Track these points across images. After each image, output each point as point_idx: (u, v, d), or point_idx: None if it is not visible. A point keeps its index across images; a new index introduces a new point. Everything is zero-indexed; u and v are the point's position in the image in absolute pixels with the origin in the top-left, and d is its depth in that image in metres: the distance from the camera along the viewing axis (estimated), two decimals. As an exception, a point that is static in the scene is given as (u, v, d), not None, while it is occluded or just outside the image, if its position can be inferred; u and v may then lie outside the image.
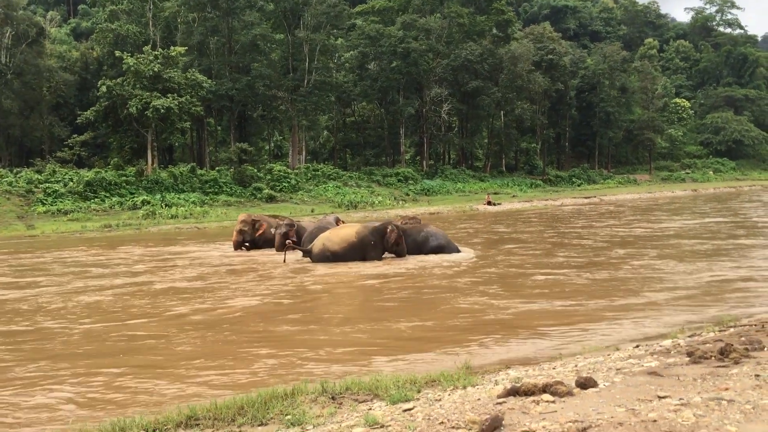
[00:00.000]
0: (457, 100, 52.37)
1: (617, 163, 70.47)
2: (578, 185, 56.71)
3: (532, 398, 4.15)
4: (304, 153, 49.51)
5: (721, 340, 5.80)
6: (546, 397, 4.12)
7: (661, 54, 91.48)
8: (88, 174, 35.53)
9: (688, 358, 5.09)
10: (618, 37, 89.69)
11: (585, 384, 4.36)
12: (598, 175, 62.19)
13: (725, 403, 3.83)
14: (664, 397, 4.01)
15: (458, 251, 15.78)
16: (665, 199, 45.03)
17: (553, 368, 5.98)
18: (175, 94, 37.05)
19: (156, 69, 37.12)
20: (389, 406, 4.77)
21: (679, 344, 6.13)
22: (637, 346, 6.74)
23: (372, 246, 14.98)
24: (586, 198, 44.43)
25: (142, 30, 43.63)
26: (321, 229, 16.14)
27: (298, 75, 46.10)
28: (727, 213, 29.01)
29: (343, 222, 16.60)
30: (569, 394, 4.17)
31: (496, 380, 5.49)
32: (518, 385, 4.44)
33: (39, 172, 36.12)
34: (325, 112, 50.94)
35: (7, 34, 42.40)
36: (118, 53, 38.68)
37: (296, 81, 45.82)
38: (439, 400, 4.75)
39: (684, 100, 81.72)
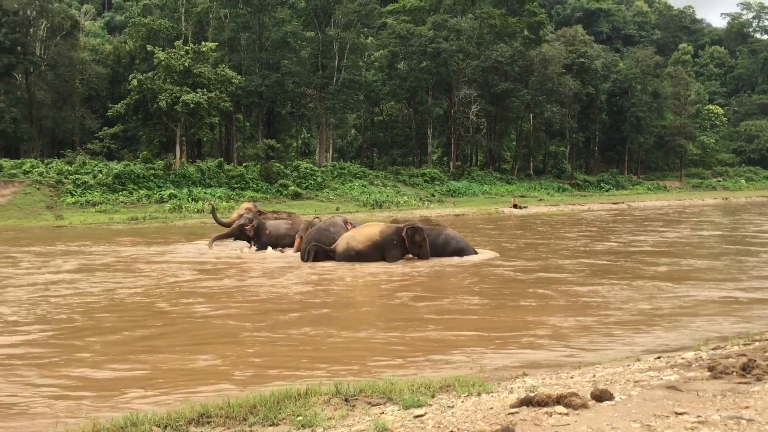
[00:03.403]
0: (486, 101, 52.16)
1: (647, 169, 69.66)
2: (606, 190, 56.16)
3: (545, 409, 4.07)
4: (331, 151, 49.66)
5: (744, 355, 5.64)
6: (559, 408, 4.03)
7: (695, 59, 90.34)
8: (116, 166, 35.98)
9: (708, 373, 4.96)
10: (652, 42, 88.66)
11: (600, 396, 4.27)
12: (627, 181, 61.52)
13: (744, 422, 3.71)
14: (681, 414, 3.90)
15: (475, 253, 15.71)
16: (694, 207, 44.29)
17: (571, 377, 5.88)
18: (205, 90, 37.41)
19: (186, 64, 37.50)
20: (401, 411, 4.71)
21: (701, 357, 5.98)
22: (658, 358, 6.61)
23: (395, 245, 14.93)
24: (613, 204, 43.93)
25: (174, 25, 44.08)
26: (321, 231, 15.92)
27: (327, 73, 46.21)
28: (728, 225, 27.96)
29: (351, 223, 16.49)
30: (584, 406, 4.08)
31: (511, 388, 5.39)
32: (532, 394, 4.36)
33: (69, 163, 36.65)
34: (353, 110, 51.08)
35: (42, 27, 43.10)
36: (149, 47, 39.13)
37: (325, 79, 45.94)
38: (452, 407, 4.68)
39: (717, 107, 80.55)
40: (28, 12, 42.43)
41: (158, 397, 6.17)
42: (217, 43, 41.89)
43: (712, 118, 78.32)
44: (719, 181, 68.97)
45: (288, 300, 11.02)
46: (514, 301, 10.71)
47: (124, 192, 33.95)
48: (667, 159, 71.54)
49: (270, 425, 4.78)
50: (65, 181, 33.83)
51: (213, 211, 19.77)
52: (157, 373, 7.03)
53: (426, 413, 4.51)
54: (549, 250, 18.19)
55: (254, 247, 17.73)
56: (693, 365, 5.51)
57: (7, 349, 7.89)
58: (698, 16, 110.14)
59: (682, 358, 6.15)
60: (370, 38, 54.09)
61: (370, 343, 8.35)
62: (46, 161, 37.01)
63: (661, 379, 4.98)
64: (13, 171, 33.87)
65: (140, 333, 8.82)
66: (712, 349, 6.71)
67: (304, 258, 15.23)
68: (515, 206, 37.93)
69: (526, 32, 57.01)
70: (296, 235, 16.87)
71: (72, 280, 12.93)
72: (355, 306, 10.93)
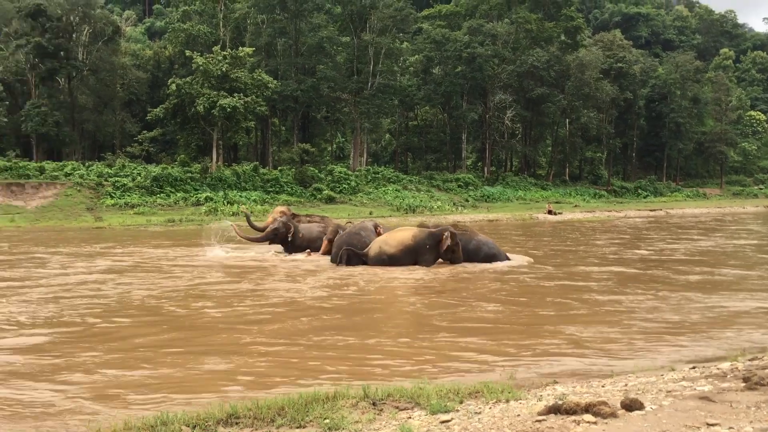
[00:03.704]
0: (522, 106, 51.78)
1: (686, 175, 68.46)
2: (644, 197, 55.32)
3: (573, 417, 4.02)
4: (365, 155, 49.77)
5: (781, 367, 5.51)
6: (587, 417, 3.98)
7: (736, 65, 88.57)
8: (155, 169, 36.55)
9: (743, 384, 4.86)
10: (692, 47, 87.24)
11: (630, 406, 4.20)
12: (666, 188, 60.49)
13: (779, 435, 3.63)
14: (713, 425, 3.82)
15: (508, 259, 15.59)
16: (733, 215, 43.28)
17: (602, 386, 5.79)
18: (241, 94, 37.78)
19: (224, 69, 37.93)
20: (428, 416, 4.69)
21: (737, 368, 5.85)
22: (694, 368, 6.47)
23: (427, 250, 14.86)
24: (651, 211, 43.19)
25: (212, 30, 44.64)
26: (352, 235, 15.92)
27: (362, 78, 46.38)
28: (767, 234, 26.99)
29: (381, 228, 16.49)
30: (612, 415, 4.02)
31: (540, 395, 5.34)
32: (560, 402, 4.31)
33: (109, 166, 37.34)
34: (387, 115, 51.13)
35: (85, 32, 43.99)
36: (188, 53, 39.67)
37: (360, 84, 46.11)
38: (479, 413, 4.64)
39: (759, 113, 78.81)
40: (71, 18, 43.34)
41: (158, 400, 6.16)
42: (254, 49, 42.29)
43: (754, 125, 76.67)
44: (761, 188, 67.50)
45: (302, 304, 10.87)
46: (540, 309, 10.53)
47: (162, 195, 34.47)
48: (707, 166, 70.24)
49: (297, 427, 4.80)
50: (105, 183, 34.49)
51: (248, 217, 19.94)
52: (159, 375, 6.99)
53: (452, 419, 4.49)
54: (577, 257, 17.93)
55: (285, 253, 17.76)
56: (728, 376, 5.39)
57: (13, 351, 7.92)
58: (740, 21, 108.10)
59: (718, 369, 6.03)
60: (406, 43, 54.16)
61: (380, 348, 8.20)
62: (87, 164, 37.73)
63: (695, 389, 4.88)
64: (55, 173, 34.64)
65: (146, 336, 8.75)
66: (749, 360, 6.56)
67: (337, 261, 15.26)
68: (550, 212, 37.60)
69: (562, 37, 56.45)
70: (324, 238, 16.98)
71: (104, 280, 13.09)
72: (369, 312, 10.69)
